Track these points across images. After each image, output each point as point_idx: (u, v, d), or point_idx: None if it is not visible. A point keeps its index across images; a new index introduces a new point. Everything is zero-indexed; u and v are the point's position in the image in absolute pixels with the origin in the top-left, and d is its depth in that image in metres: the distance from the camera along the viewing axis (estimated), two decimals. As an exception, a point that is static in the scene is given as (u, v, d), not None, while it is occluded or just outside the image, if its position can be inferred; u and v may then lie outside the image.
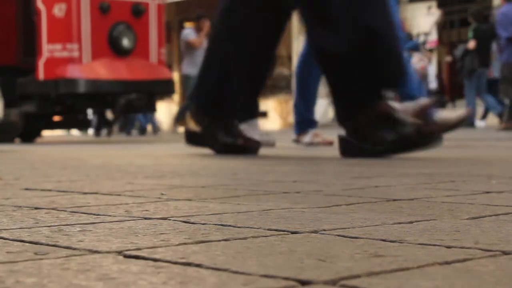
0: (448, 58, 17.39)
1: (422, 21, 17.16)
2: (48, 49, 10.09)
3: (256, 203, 1.91)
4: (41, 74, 10.09)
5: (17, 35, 11.09)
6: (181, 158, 4.69)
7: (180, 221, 1.56)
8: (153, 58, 10.66)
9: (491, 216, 1.60)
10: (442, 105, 15.78)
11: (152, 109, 11.12)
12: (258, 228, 1.43)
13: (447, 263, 1.06)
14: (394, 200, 1.95)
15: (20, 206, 1.89)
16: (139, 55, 10.44)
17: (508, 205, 1.79)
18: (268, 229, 1.42)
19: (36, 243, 1.28)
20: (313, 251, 1.17)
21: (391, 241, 1.26)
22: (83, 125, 12.57)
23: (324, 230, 1.40)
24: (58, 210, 1.80)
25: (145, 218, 1.62)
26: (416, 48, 15.06)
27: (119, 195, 2.17)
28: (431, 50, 16.63)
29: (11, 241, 1.31)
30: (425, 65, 15.42)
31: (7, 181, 2.77)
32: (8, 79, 10.59)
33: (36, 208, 1.84)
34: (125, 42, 10.24)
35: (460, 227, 1.42)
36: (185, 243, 1.26)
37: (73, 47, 10.05)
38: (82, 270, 1.03)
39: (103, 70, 10.10)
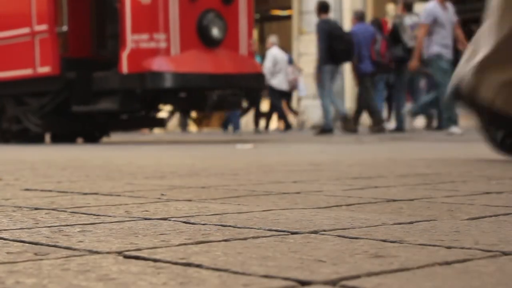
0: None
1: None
2: (132, 40, 8.91)
3: (256, 203, 1.91)
4: (124, 67, 8.84)
5: (91, 24, 9.75)
6: (181, 158, 4.69)
7: (180, 221, 1.56)
8: (242, 49, 9.50)
9: (491, 216, 1.60)
10: None
11: (238, 106, 9.98)
12: (258, 229, 1.43)
13: (447, 263, 1.06)
14: (394, 200, 1.95)
15: (20, 207, 1.89)
16: (228, 46, 9.29)
17: (508, 206, 1.79)
18: (268, 230, 1.42)
19: (36, 244, 1.28)
20: (313, 252, 1.17)
21: (391, 242, 1.26)
22: (158, 124, 11.00)
23: (324, 230, 1.40)
24: (58, 210, 1.80)
25: (145, 219, 1.62)
26: (290, 61, 16.61)
27: (119, 195, 2.17)
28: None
29: (11, 242, 1.31)
30: (297, 77, 17.38)
31: (7, 181, 2.77)
32: (83, 73, 9.27)
33: (36, 209, 1.84)
34: (215, 32, 9.10)
35: (460, 228, 1.42)
36: (185, 244, 1.26)
37: (160, 37, 8.91)
38: (82, 271, 1.03)
39: (192, 62, 8.95)
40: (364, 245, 1.22)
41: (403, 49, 11.57)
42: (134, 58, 8.86)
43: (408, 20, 11.65)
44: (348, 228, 1.43)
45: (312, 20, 18.10)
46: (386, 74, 12.66)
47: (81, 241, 1.30)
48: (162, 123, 10.96)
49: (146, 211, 1.77)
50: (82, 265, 1.08)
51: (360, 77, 11.76)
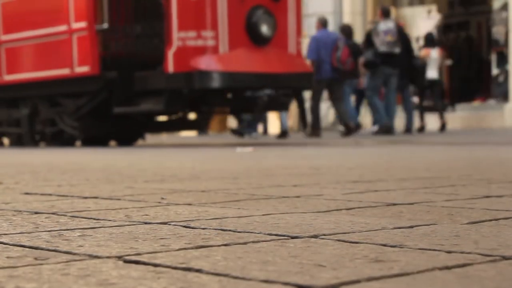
0: (448, 62, 17.46)
1: (422, 24, 17.18)
2: (179, 37, 8.32)
3: (256, 207, 1.91)
4: (170, 66, 8.26)
5: (132, 22, 8.99)
6: (182, 161, 4.69)
7: (180, 225, 1.56)
8: (291, 47, 8.92)
9: (491, 220, 1.60)
10: (442, 108, 15.87)
11: (286, 107, 9.45)
12: (258, 233, 1.43)
13: (447, 268, 1.06)
14: (394, 204, 1.95)
15: (20, 211, 1.89)
16: (277, 44, 8.74)
17: (508, 210, 1.79)
18: (269, 234, 1.42)
19: (36, 248, 1.28)
20: (314, 256, 1.16)
21: (391, 246, 1.26)
22: (195, 127, 10.44)
23: (324, 235, 1.40)
24: (58, 214, 1.80)
25: (145, 223, 1.62)
26: None
27: (119, 199, 2.17)
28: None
29: (11, 246, 1.31)
30: None
31: (7, 185, 2.77)
32: (124, 72, 8.65)
33: (36, 213, 1.84)
34: (264, 29, 8.52)
35: (460, 232, 1.42)
36: (185, 248, 1.26)
37: (208, 35, 8.34)
38: (82, 276, 1.03)
39: (241, 61, 8.40)
40: (364, 250, 1.22)
41: (375, 53, 11.83)
42: (180, 56, 8.31)
43: (383, 25, 12.01)
44: (348, 233, 1.43)
45: (312, 23, 18.18)
46: (351, 80, 12.80)
47: (81, 246, 1.30)
48: (200, 125, 10.34)
49: (146, 215, 1.77)
50: (82, 269, 1.08)
51: (315, 82, 11.91)
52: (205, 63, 8.30)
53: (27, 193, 2.41)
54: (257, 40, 8.55)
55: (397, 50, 11.94)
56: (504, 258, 1.14)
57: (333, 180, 2.83)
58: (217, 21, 8.42)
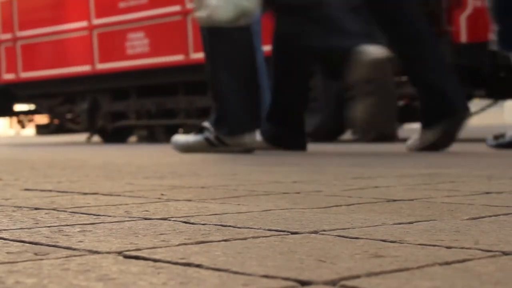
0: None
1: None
2: None
3: (256, 203, 1.91)
4: (462, 35, 6.48)
5: None
6: (181, 158, 4.69)
7: (180, 221, 1.56)
8: None
9: (491, 216, 1.60)
10: None
11: None
12: (258, 229, 1.43)
13: (447, 263, 1.06)
14: (394, 200, 1.95)
15: (20, 207, 1.89)
16: None
17: (508, 206, 1.79)
18: (268, 230, 1.42)
19: (36, 244, 1.28)
20: (313, 252, 1.16)
21: (391, 242, 1.26)
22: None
23: (324, 230, 1.40)
24: (58, 210, 1.80)
25: (145, 219, 1.62)
26: None
27: (119, 195, 2.17)
28: None
29: (11, 242, 1.31)
30: None
31: (7, 181, 2.77)
32: None
33: (36, 209, 1.84)
34: None
35: (460, 228, 1.42)
36: (185, 244, 1.26)
37: None
38: (82, 271, 1.03)
39: None
40: (364, 245, 1.22)
41: None
42: (477, 21, 6.41)
43: None
44: (348, 228, 1.43)
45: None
46: None
47: (81, 241, 1.30)
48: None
49: (146, 211, 1.77)
50: (82, 265, 1.08)
51: None
52: None
53: (27, 189, 2.41)
54: None
55: None
56: (504, 253, 1.14)
57: (333, 177, 2.83)
58: None
